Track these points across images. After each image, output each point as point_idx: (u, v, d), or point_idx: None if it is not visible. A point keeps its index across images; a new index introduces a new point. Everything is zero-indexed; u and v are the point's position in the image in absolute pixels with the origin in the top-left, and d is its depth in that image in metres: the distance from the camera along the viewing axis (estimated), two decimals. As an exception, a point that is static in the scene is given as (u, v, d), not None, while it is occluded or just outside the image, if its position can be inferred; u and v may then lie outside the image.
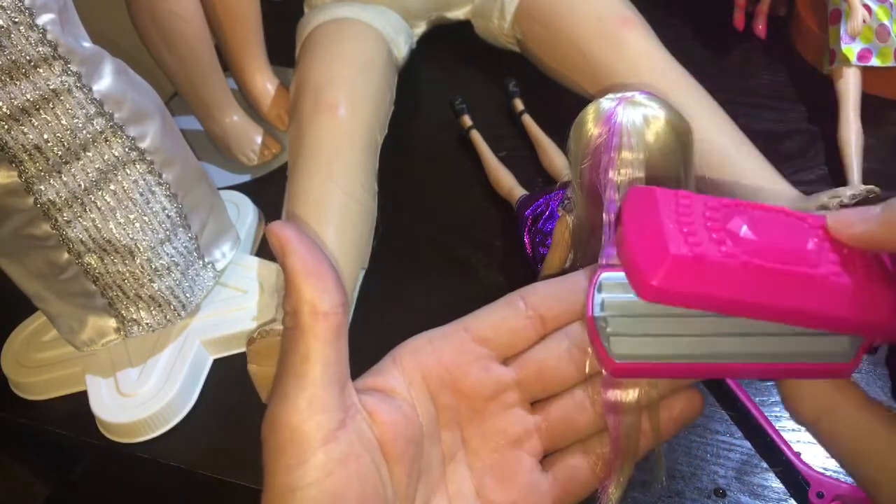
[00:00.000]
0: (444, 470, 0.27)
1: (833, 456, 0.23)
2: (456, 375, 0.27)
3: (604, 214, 0.28)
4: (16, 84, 0.37)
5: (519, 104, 0.61)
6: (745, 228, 0.19)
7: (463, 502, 0.26)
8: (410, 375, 0.27)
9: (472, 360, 0.27)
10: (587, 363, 0.26)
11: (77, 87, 0.40)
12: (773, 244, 0.19)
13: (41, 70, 0.38)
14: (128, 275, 0.44)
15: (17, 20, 0.36)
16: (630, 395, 0.25)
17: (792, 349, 0.21)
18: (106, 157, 0.42)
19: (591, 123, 0.34)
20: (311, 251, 0.24)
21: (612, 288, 0.22)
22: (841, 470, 0.40)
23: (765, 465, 0.41)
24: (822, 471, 0.39)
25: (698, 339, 0.21)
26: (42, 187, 0.40)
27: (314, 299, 0.24)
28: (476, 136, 0.60)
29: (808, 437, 0.41)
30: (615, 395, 0.25)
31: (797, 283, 0.19)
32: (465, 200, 0.58)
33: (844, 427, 0.22)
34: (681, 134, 0.34)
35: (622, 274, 0.22)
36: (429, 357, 0.27)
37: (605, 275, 0.23)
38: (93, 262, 0.43)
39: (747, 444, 0.42)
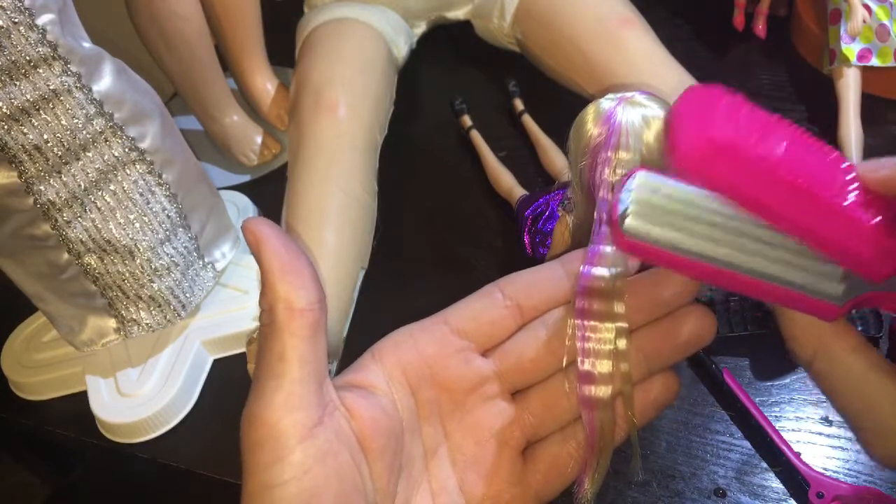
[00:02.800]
0: (426, 465, 0.27)
1: (827, 397, 0.24)
2: (436, 369, 0.27)
3: (595, 213, 0.28)
4: (16, 84, 0.37)
5: (519, 104, 0.61)
6: (787, 143, 0.21)
7: (446, 497, 0.26)
8: (390, 370, 0.27)
9: (452, 352, 0.27)
10: (564, 352, 0.26)
11: (77, 87, 0.40)
12: (807, 163, 0.21)
13: (41, 70, 0.38)
14: (128, 275, 0.44)
15: (16, 20, 0.36)
16: (604, 390, 0.26)
17: (794, 278, 0.22)
18: (106, 157, 0.42)
19: (590, 123, 0.34)
20: (287, 247, 0.24)
21: (643, 185, 0.23)
22: (841, 470, 0.40)
23: (765, 465, 0.41)
24: (822, 471, 0.39)
25: (708, 243, 0.22)
26: (42, 187, 0.40)
27: (289, 296, 0.23)
28: (476, 136, 0.60)
29: (808, 437, 0.41)
30: (590, 389, 0.26)
31: (815, 203, 0.21)
32: (465, 200, 0.58)
33: (837, 368, 0.23)
34: (680, 134, 0.34)
35: (655, 175, 0.23)
36: (409, 351, 0.27)
37: (641, 172, 0.23)
38: (93, 263, 0.43)
39: (747, 444, 0.42)
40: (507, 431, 0.27)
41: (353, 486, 0.23)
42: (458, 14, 0.69)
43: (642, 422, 0.27)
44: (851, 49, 0.55)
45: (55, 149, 0.40)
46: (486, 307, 0.27)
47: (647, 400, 0.27)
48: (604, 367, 0.26)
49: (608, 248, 0.26)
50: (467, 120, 0.61)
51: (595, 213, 0.28)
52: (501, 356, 0.27)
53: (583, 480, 0.26)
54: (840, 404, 0.24)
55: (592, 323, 0.26)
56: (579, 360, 0.26)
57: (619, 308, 0.26)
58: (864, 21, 0.54)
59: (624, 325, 0.26)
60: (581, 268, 0.26)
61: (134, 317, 0.45)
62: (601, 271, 0.26)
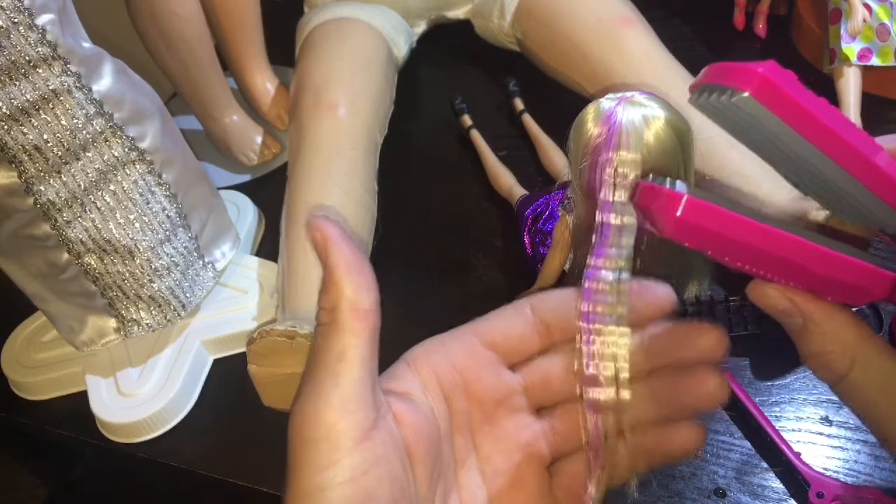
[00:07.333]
0: (456, 475, 0.27)
1: (862, 414, 0.22)
2: (468, 379, 0.27)
3: (597, 213, 0.28)
4: (15, 84, 0.37)
5: (519, 104, 0.61)
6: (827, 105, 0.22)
7: None
8: (426, 379, 0.27)
9: (483, 364, 0.27)
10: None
11: (77, 87, 0.40)
12: (846, 124, 0.21)
13: (41, 70, 0.38)
14: (128, 275, 0.44)
15: (16, 20, 0.36)
16: (610, 393, 0.25)
17: (847, 250, 0.21)
18: (106, 157, 0.42)
19: (590, 123, 0.34)
20: (353, 248, 0.24)
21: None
22: (841, 470, 0.40)
23: (765, 465, 0.41)
24: (822, 471, 0.39)
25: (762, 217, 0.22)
26: (42, 188, 0.40)
27: (355, 296, 0.24)
28: (476, 135, 0.60)
29: (808, 437, 0.41)
30: (596, 393, 0.25)
31: (852, 153, 0.21)
32: (465, 200, 0.58)
33: (876, 374, 0.22)
34: (681, 133, 0.34)
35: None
36: (442, 361, 0.27)
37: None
38: (93, 263, 0.43)
39: (747, 444, 0.42)
40: (533, 445, 0.27)
41: (402, 491, 0.23)
42: (458, 13, 0.69)
43: (654, 463, 0.26)
44: (852, 48, 0.55)
45: (55, 149, 0.40)
46: (516, 323, 0.27)
47: (669, 447, 0.25)
48: (608, 370, 0.25)
49: (612, 250, 0.26)
50: (467, 119, 0.61)
51: (597, 215, 0.28)
52: (529, 372, 0.27)
53: (587, 485, 0.26)
54: (877, 415, 0.22)
55: (597, 326, 0.25)
56: (584, 362, 0.26)
57: (622, 310, 0.25)
58: (865, 20, 0.54)
59: (626, 328, 0.25)
60: (585, 270, 0.26)
61: (134, 317, 0.45)
62: (606, 274, 0.26)
